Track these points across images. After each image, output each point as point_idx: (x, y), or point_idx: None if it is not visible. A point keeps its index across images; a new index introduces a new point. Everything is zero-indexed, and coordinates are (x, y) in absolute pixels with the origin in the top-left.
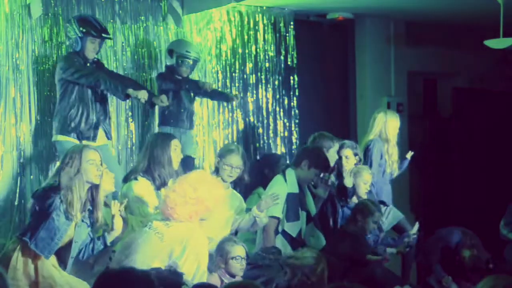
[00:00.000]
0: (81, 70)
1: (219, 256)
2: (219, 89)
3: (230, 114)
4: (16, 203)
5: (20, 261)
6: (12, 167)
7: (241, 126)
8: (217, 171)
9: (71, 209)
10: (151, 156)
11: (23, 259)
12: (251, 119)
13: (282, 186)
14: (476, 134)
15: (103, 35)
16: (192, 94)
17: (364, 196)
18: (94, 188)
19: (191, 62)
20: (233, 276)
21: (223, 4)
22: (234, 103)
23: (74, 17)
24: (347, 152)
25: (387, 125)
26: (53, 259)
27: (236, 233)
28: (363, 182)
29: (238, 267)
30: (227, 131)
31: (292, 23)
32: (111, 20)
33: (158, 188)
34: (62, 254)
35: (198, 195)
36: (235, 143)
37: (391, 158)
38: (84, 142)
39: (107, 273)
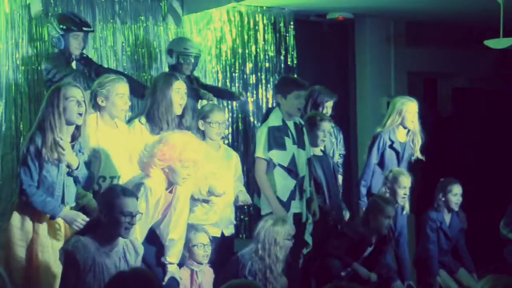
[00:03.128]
0: (62, 71)
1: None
2: (224, 87)
3: (230, 114)
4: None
5: (18, 218)
6: (12, 167)
7: (241, 126)
8: (202, 134)
9: (53, 152)
10: (152, 98)
11: (20, 217)
12: (251, 119)
13: (265, 127)
14: (476, 134)
15: (84, 28)
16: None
17: (402, 203)
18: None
19: (192, 59)
20: (199, 263)
21: (223, 4)
22: (237, 102)
23: (53, 15)
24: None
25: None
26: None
27: None
28: (400, 187)
29: (201, 254)
30: (227, 131)
31: (292, 23)
32: (111, 20)
33: (158, 132)
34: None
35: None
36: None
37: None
38: None
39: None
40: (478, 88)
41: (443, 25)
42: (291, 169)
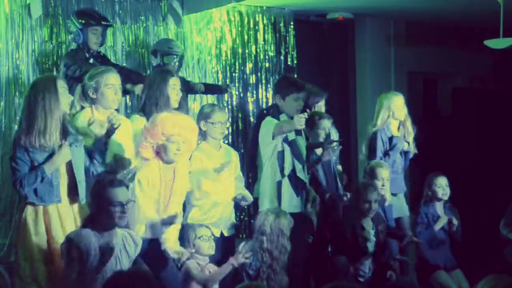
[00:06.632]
0: (83, 66)
1: (186, 242)
2: (211, 83)
3: (230, 114)
4: (16, 203)
5: (31, 223)
6: None
7: (241, 126)
8: (204, 134)
9: (45, 140)
10: (148, 93)
11: (33, 222)
12: (251, 119)
13: (271, 123)
14: (476, 134)
15: (103, 22)
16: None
17: (383, 192)
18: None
19: (176, 58)
20: (205, 256)
21: (223, 4)
22: (227, 94)
23: (72, 11)
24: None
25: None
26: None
27: None
28: (378, 179)
29: (206, 245)
30: (227, 131)
31: (292, 23)
32: (111, 20)
33: None
34: (70, 185)
35: (165, 131)
36: (209, 103)
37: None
38: None
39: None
40: (478, 88)
41: (443, 25)
42: (297, 185)
